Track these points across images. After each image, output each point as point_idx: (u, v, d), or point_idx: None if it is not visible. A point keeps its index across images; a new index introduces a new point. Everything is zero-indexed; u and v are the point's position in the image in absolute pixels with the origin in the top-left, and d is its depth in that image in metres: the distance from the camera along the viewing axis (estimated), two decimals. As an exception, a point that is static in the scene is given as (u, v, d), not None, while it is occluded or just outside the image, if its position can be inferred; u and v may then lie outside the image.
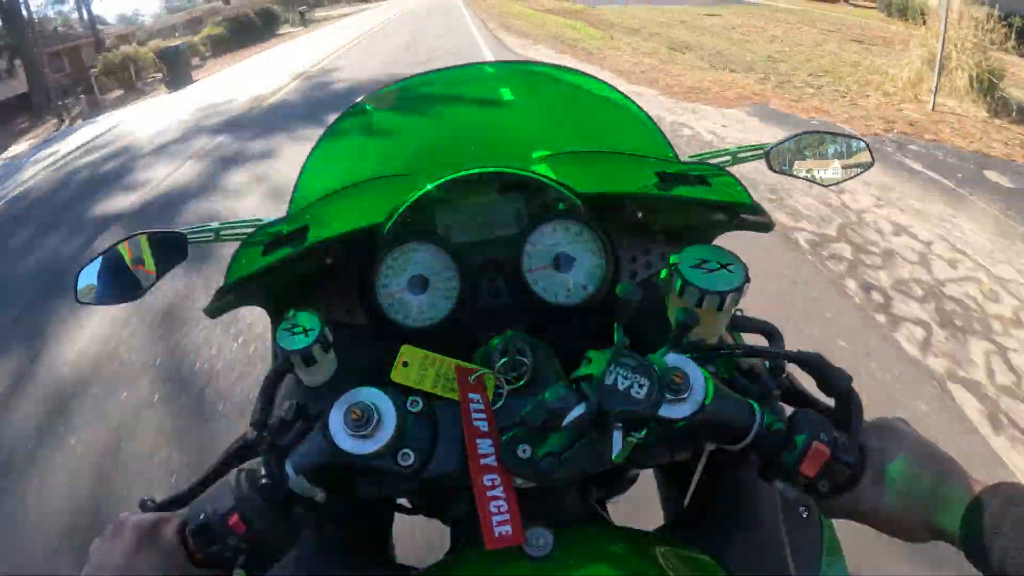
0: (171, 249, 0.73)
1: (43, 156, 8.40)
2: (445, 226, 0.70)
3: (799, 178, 0.80)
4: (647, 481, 0.87)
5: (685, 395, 0.48)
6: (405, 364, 0.55)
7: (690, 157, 0.78)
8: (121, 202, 5.10)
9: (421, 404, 0.53)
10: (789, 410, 0.52)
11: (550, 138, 0.79)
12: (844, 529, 0.61)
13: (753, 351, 0.54)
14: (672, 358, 0.49)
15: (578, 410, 0.46)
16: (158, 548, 0.47)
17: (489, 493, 0.47)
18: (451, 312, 0.66)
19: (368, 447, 0.49)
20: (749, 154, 0.79)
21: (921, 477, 0.45)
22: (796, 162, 0.80)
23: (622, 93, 0.77)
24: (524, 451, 0.48)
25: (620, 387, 0.46)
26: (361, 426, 0.49)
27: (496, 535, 0.46)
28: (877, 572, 1.31)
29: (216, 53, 19.84)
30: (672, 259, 0.55)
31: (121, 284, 0.72)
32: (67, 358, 2.77)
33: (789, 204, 3.38)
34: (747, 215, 0.66)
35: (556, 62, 4.58)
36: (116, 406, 2.35)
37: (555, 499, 0.56)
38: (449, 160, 0.71)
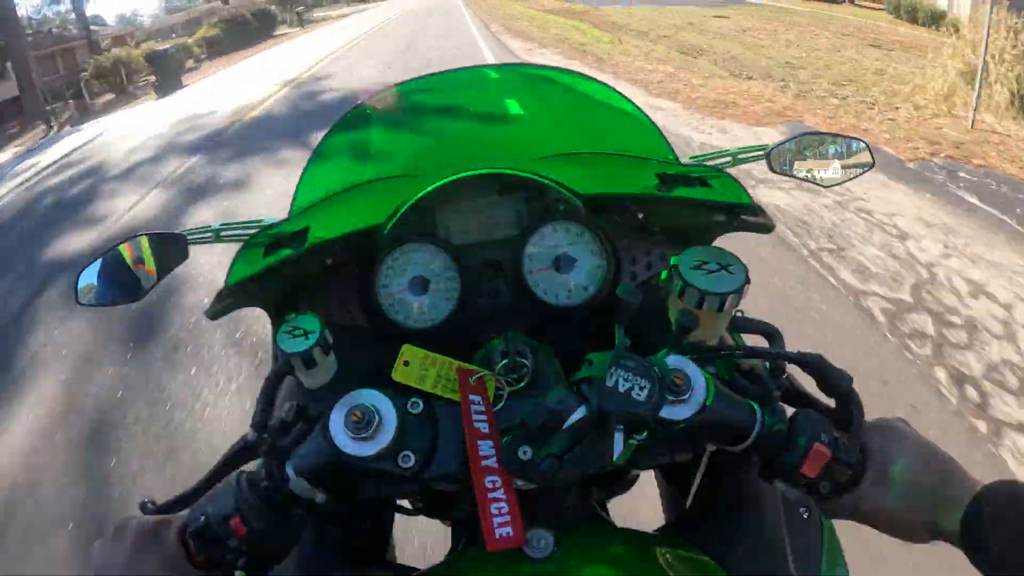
0: (172, 250, 0.72)
1: (21, 170, 8.24)
2: (446, 227, 0.70)
3: (799, 179, 0.80)
4: (647, 482, 0.86)
5: (686, 396, 0.48)
6: (406, 364, 0.54)
7: (690, 158, 0.77)
8: (76, 242, 4.64)
9: (422, 406, 0.52)
10: (790, 411, 0.51)
11: (550, 139, 0.78)
12: (844, 530, 0.61)
13: (754, 352, 0.54)
14: (673, 359, 0.49)
15: (579, 412, 0.46)
16: (159, 550, 0.47)
17: (490, 495, 0.47)
18: (452, 313, 0.65)
19: (369, 449, 0.49)
20: (750, 155, 0.78)
21: (922, 477, 0.45)
22: (796, 163, 0.80)
23: (620, 93, 0.77)
24: (525, 453, 0.47)
25: (621, 389, 0.46)
26: (362, 428, 0.48)
27: (497, 536, 0.46)
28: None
29: (212, 55, 19.46)
30: (672, 260, 0.55)
31: (122, 284, 0.71)
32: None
33: (853, 257, 2.99)
34: (748, 216, 0.66)
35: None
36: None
37: (556, 501, 0.55)
38: (450, 161, 0.71)
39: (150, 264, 0.71)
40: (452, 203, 0.69)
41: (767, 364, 0.55)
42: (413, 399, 0.52)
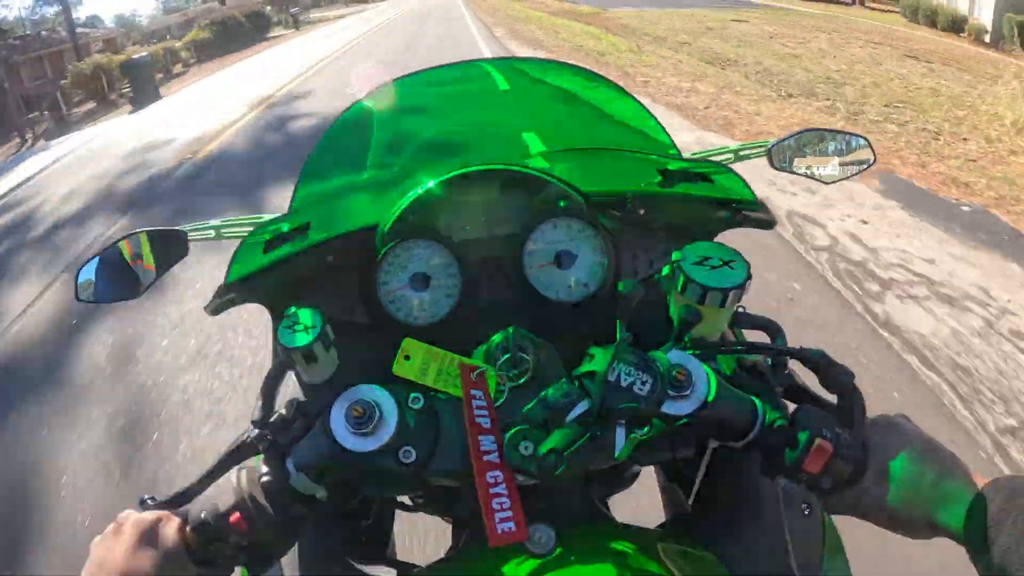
0: (172, 246, 0.72)
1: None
2: (446, 223, 0.69)
3: (799, 175, 0.80)
4: (648, 478, 0.85)
5: (688, 392, 0.48)
6: (407, 358, 0.54)
7: (692, 154, 0.76)
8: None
9: (423, 401, 0.52)
10: (792, 407, 0.51)
11: (551, 135, 0.78)
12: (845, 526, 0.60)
13: (755, 348, 0.54)
14: (674, 355, 0.49)
15: (581, 407, 0.46)
16: (159, 546, 0.47)
17: (492, 490, 0.47)
18: (452, 309, 0.65)
19: (369, 444, 0.49)
20: (751, 151, 0.78)
21: (924, 473, 0.45)
22: (796, 159, 0.80)
23: (620, 87, 0.77)
24: (527, 448, 0.47)
25: (623, 384, 0.46)
26: (362, 423, 0.48)
27: (499, 532, 0.45)
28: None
29: (204, 58, 18.65)
30: (674, 256, 0.55)
31: (121, 281, 0.71)
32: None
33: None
34: (750, 212, 0.66)
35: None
36: None
37: (557, 496, 0.55)
38: (450, 157, 0.72)
39: (149, 261, 0.71)
40: (453, 199, 0.68)
41: (769, 360, 0.54)
42: (414, 394, 0.52)
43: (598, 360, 0.47)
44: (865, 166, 0.81)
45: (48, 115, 11.85)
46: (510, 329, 0.54)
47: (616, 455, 0.46)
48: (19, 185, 7.65)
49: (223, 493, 0.49)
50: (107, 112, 12.64)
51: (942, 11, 14.08)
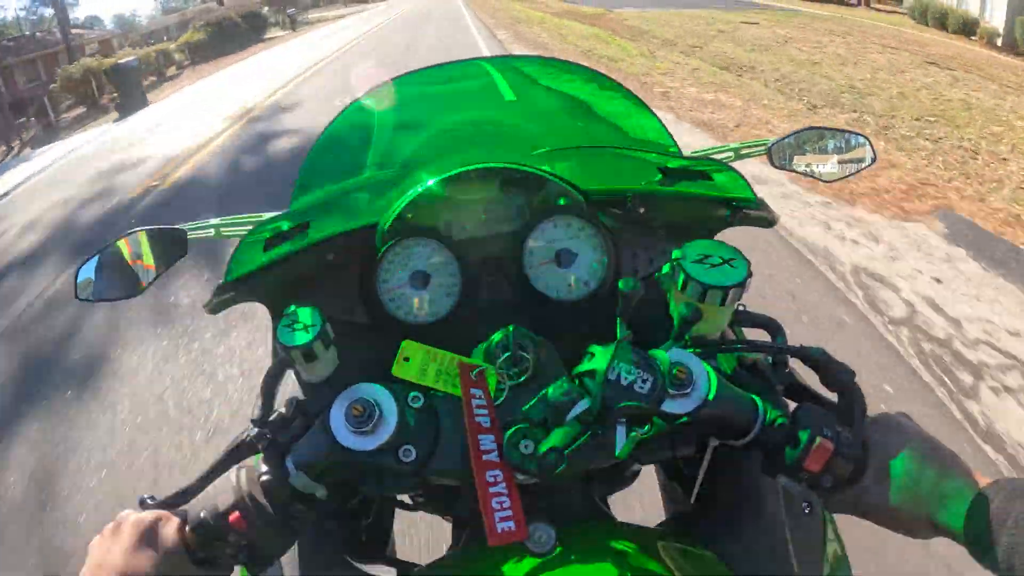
0: (171, 245, 0.71)
1: None
2: (446, 222, 0.68)
3: (799, 173, 0.80)
4: (648, 477, 0.82)
5: (688, 390, 0.48)
6: (406, 359, 0.54)
7: (693, 152, 0.76)
8: None
9: (422, 400, 0.52)
10: (792, 405, 0.51)
11: (551, 133, 0.78)
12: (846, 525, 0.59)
13: (756, 346, 0.54)
14: (675, 353, 0.49)
15: (581, 405, 0.46)
16: (158, 546, 0.47)
17: (491, 489, 0.47)
18: (452, 308, 0.65)
19: (369, 443, 0.48)
20: (752, 149, 0.78)
21: (924, 472, 0.44)
22: (796, 157, 0.80)
23: (620, 84, 0.77)
24: (527, 447, 0.47)
25: (623, 382, 0.46)
26: (362, 422, 0.48)
27: (499, 531, 0.45)
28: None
29: (199, 60, 18.25)
30: (675, 254, 0.55)
31: (120, 280, 0.71)
32: None
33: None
34: (750, 210, 0.66)
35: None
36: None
37: (557, 495, 0.55)
38: (449, 156, 0.71)
39: (148, 259, 0.71)
40: (453, 198, 0.67)
41: (769, 358, 0.54)
42: (414, 393, 0.52)
43: (598, 358, 0.47)
44: (865, 164, 0.81)
45: (36, 121, 11.40)
46: (510, 328, 0.54)
47: (616, 454, 0.46)
48: (11, 190, 7.43)
49: (222, 492, 0.49)
50: (96, 118, 12.13)
51: (952, 13, 13.77)
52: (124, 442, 2.32)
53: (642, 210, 0.68)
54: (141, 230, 0.70)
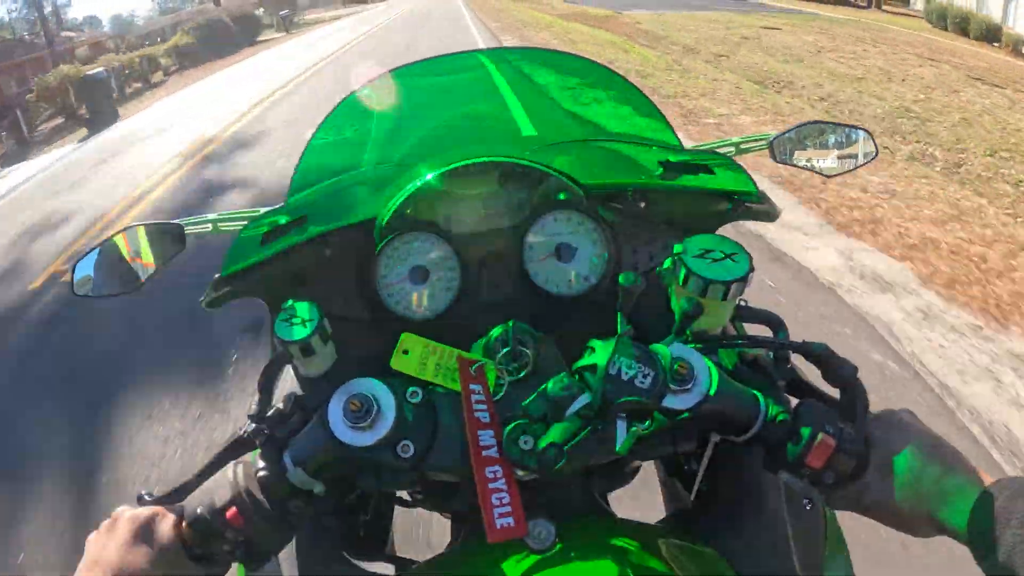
0: (169, 240, 0.71)
1: None
2: (445, 216, 0.68)
3: (801, 167, 0.79)
4: (649, 475, 0.83)
5: (689, 386, 0.47)
6: (405, 352, 0.54)
7: (694, 147, 0.76)
8: None
9: (421, 395, 0.52)
10: (794, 401, 0.51)
11: (551, 127, 0.77)
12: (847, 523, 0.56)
13: (758, 341, 0.53)
14: (676, 348, 0.49)
15: (581, 400, 0.45)
16: (155, 542, 0.47)
17: (491, 485, 0.46)
18: (452, 303, 0.64)
19: (367, 439, 0.48)
20: (753, 144, 0.77)
21: (927, 470, 0.44)
22: (797, 152, 0.79)
23: (622, 76, 0.76)
24: (526, 442, 0.47)
25: (624, 377, 0.45)
26: (360, 417, 0.48)
27: (498, 527, 0.45)
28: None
29: (187, 64, 17.47)
30: (676, 248, 0.54)
31: (118, 276, 0.70)
32: None
33: None
34: (752, 204, 0.65)
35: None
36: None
37: (557, 491, 0.55)
38: (448, 149, 0.71)
39: (146, 256, 0.70)
40: (452, 192, 0.67)
41: (771, 353, 0.54)
42: (412, 388, 0.51)
43: (599, 353, 0.47)
44: (867, 159, 0.81)
45: (7, 135, 10.58)
46: (509, 323, 0.53)
47: (617, 449, 0.46)
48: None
49: (219, 488, 0.49)
50: (73, 130, 11.25)
51: (974, 18, 13.08)
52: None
53: (643, 204, 0.67)
54: (139, 225, 0.70)
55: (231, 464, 0.50)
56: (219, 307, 0.64)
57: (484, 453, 0.47)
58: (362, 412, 0.47)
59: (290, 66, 12.36)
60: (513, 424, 0.47)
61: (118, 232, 0.69)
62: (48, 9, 28.50)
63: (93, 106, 10.79)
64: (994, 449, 1.90)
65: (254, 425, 0.50)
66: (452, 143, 0.74)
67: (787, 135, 0.77)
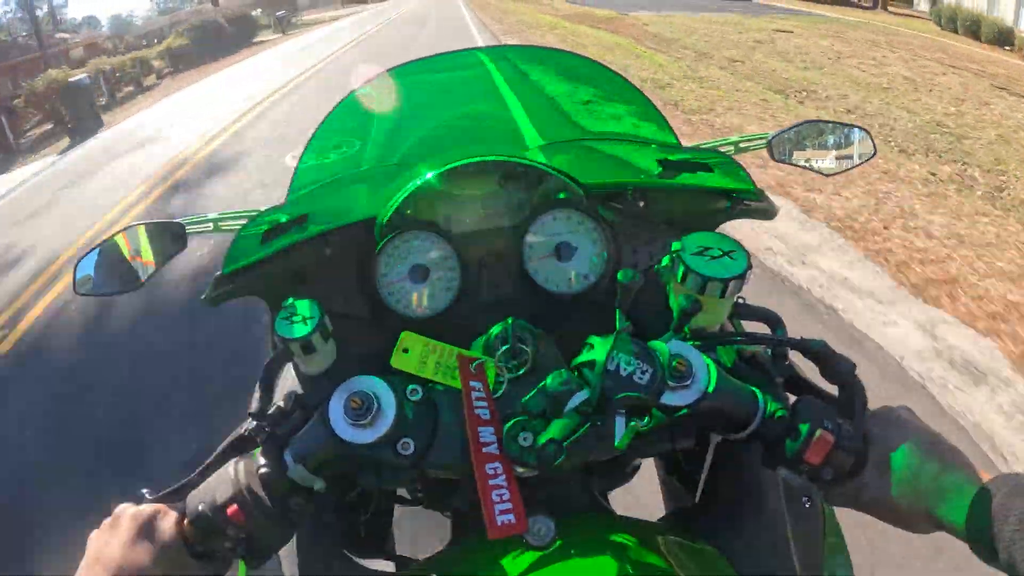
0: (170, 239, 0.71)
1: None
2: (445, 216, 0.68)
3: (799, 167, 0.79)
4: (648, 474, 0.83)
5: (688, 382, 0.48)
6: (405, 351, 0.54)
7: (693, 146, 0.75)
8: None
9: (421, 392, 0.52)
10: (792, 398, 0.51)
11: (550, 126, 0.77)
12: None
13: (756, 338, 0.54)
14: (675, 345, 0.49)
15: (580, 396, 0.46)
16: (156, 540, 0.47)
17: (491, 482, 0.47)
18: (452, 302, 0.65)
19: (367, 436, 0.48)
20: (751, 143, 0.77)
21: (925, 466, 0.44)
22: (796, 151, 0.79)
23: (621, 75, 0.76)
24: (526, 439, 0.47)
25: (623, 373, 0.46)
26: (360, 415, 0.48)
27: (498, 524, 0.45)
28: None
29: (182, 66, 17.07)
30: (674, 246, 0.55)
31: (119, 274, 0.71)
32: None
33: None
34: (751, 202, 0.65)
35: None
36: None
37: (557, 488, 0.55)
38: (449, 149, 0.71)
39: (147, 255, 0.70)
40: (451, 192, 0.67)
41: (769, 351, 0.54)
42: (412, 386, 0.52)
43: (598, 350, 0.47)
44: (865, 159, 0.80)
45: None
46: (509, 320, 0.54)
47: (616, 444, 0.46)
48: None
49: (221, 486, 0.49)
50: (60, 137, 10.65)
51: (984, 21, 12.69)
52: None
53: (642, 203, 0.67)
54: (139, 224, 0.71)
55: (232, 461, 0.50)
56: (219, 305, 0.65)
57: (484, 450, 0.47)
58: (363, 410, 0.48)
59: (287, 70, 12.02)
60: (513, 421, 0.47)
61: (118, 231, 0.70)
62: (44, 9, 28.10)
63: (76, 114, 10.31)
64: None
65: (255, 423, 0.50)
66: (452, 142, 0.75)
67: (785, 134, 0.77)
